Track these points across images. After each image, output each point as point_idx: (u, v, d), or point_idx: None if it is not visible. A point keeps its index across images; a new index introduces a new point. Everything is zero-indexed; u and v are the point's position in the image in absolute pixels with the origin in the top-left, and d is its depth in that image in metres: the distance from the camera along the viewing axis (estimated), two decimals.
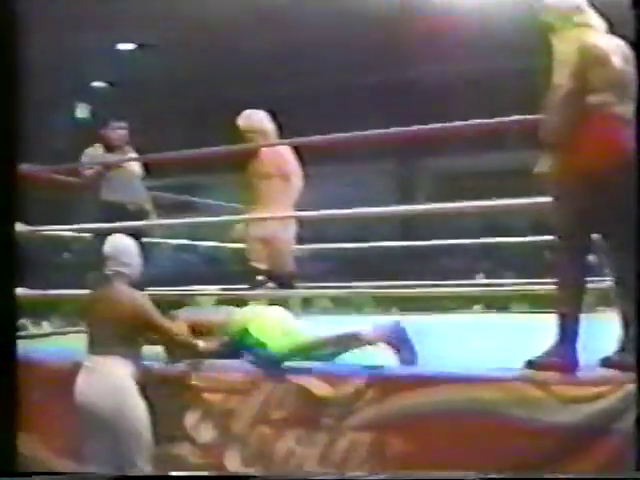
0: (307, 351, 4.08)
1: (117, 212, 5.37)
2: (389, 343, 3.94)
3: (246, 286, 5.55)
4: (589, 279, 3.61)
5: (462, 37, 11.52)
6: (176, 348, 4.17)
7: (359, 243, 8.79)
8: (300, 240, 5.75)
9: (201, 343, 4.16)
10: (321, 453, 3.70)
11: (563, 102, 3.44)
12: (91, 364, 3.88)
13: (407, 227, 14.84)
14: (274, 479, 3.82)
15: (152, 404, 3.89)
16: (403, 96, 14.61)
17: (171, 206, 10.42)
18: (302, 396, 3.77)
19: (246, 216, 5.68)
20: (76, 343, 4.40)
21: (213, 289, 6.58)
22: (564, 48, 3.53)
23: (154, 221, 6.00)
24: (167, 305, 4.15)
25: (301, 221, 5.67)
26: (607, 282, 3.80)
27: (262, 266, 5.48)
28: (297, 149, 5.55)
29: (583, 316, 3.49)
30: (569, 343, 3.46)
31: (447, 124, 4.45)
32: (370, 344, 4.00)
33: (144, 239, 5.24)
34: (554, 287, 3.57)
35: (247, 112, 5.66)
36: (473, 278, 11.17)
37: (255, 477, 3.83)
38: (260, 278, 5.46)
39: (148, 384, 3.91)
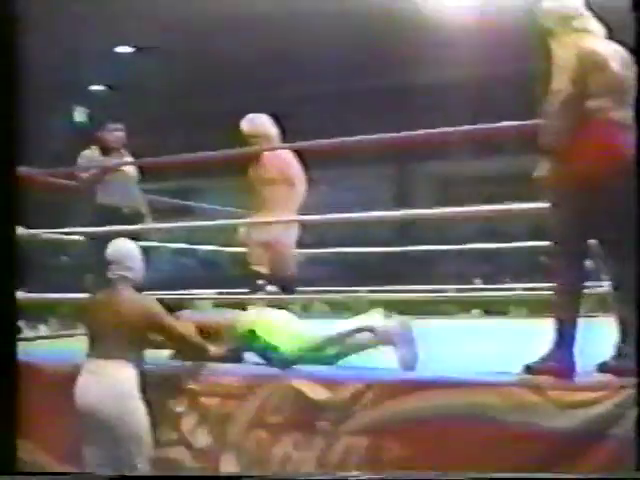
0: (319, 350, 4.12)
1: (112, 215, 5.38)
2: (395, 342, 3.95)
3: (245, 290, 5.56)
4: (586, 284, 3.61)
5: (462, 42, 11.53)
6: (187, 350, 4.19)
7: (358, 247, 8.79)
8: (299, 244, 5.75)
9: (212, 347, 4.17)
10: (318, 457, 3.70)
11: (562, 107, 3.44)
12: (93, 367, 3.88)
13: (406, 231, 14.84)
14: (274, 479, 3.81)
15: (149, 408, 3.89)
16: (402, 101, 14.63)
17: (169, 210, 10.43)
18: (299, 400, 3.76)
19: (247, 220, 5.69)
20: (74, 346, 4.40)
21: (212, 293, 6.58)
22: (563, 53, 3.53)
23: (156, 225, 6.00)
24: (165, 309, 4.14)
25: (300, 225, 5.67)
26: (604, 287, 3.80)
27: (262, 270, 5.48)
28: (299, 153, 5.55)
29: (580, 321, 3.49)
30: (566, 348, 3.46)
31: (446, 129, 4.46)
32: (380, 341, 4.01)
33: (141, 243, 5.23)
34: (551, 292, 3.57)
35: (250, 116, 5.64)
36: (471, 283, 11.18)
37: (253, 477, 3.82)
38: (260, 282, 5.46)
39: (147, 387, 3.91)
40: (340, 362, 4.12)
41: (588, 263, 3.64)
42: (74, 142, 5.92)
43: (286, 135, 5.65)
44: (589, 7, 3.64)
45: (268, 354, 4.17)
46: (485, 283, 11.08)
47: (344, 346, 4.11)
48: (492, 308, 9.61)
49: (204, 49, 13.12)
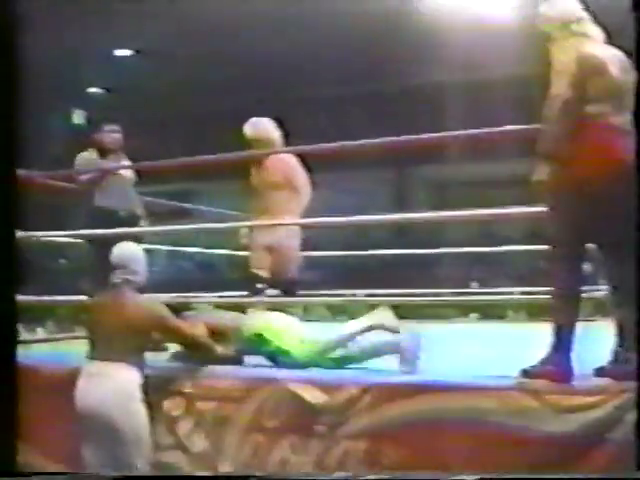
0: (330, 352, 4.15)
1: (110, 218, 5.37)
2: (404, 355, 3.98)
3: (245, 293, 5.56)
4: (584, 288, 3.61)
5: (461, 47, 11.55)
6: (196, 350, 4.21)
7: (356, 251, 8.80)
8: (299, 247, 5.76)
9: (220, 348, 4.19)
10: (315, 461, 3.69)
11: (561, 111, 3.44)
12: (95, 369, 3.87)
13: (404, 235, 14.85)
14: (271, 479, 3.81)
15: (148, 411, 3.89)
16: (401, 105, 14.64)
17: (168, 213, 10.42)
18: (296, 404, 3.76)
19: (248, 223, 5.69)
20: (73, 348, 4.40)
21: (211, 296, 6.58)
22: (562, 58, 3.53)
23: (156, 228, 6.00)
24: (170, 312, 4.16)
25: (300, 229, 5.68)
26: (602, 291, 3.81)
27: (263, 273, 5.49)
28: (300, 157, 5.57)
29: (578, 325, 3.49)
30: (564, 352, 3.46)
31: (445, 133, 4.47)
32: (391, 351, 4.04)
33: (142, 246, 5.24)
34: (549, 296, 3.57)
35: (253, 120, 5.64)
36: (469, 286, 11.18)
37: (252, 477, 3.82)
38: (260, 285, 5.47)
39: (148, 391, 3.91)
40: (351, 364, 4.13)
41: (586, 267, 3.64)
42: (72, 144, 5.91)
43: (288, 139, 5.66)
44: (587, 9, 3.64)
45: (278, 358, 4.21)
46: (483, 287, 11.08)
47: (356, 350, 4.14)
48: (490, 312, 9.60)
49: (203, 52, 13.13)
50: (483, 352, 4.54)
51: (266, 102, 9.99)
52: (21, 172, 4.06)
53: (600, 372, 3.50)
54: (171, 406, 4.03)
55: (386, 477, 3.56)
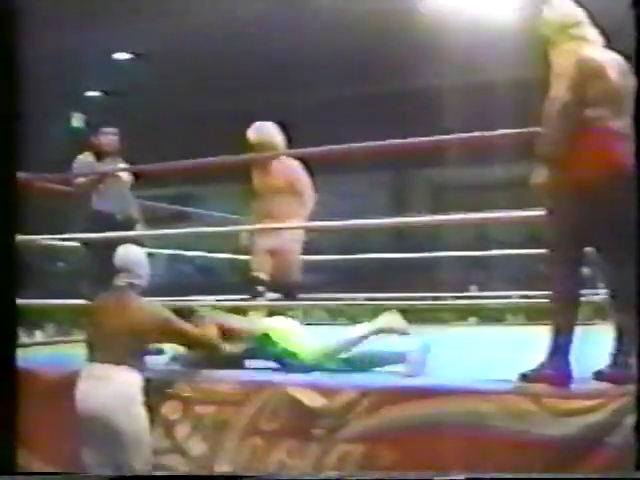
0: (335, 355, 4.18)
1: (107, 222, 5.37)
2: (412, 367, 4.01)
3: (245, 296, 5.57)
4: (583, 292, 3.61)
5: (460, 50, 11.55)
6: (202, 350, 4.25)
7: (354, 254, 8.79)
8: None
9: (226, 345, 4.20)
10: (313, 465, 3.69)
11: (560, 115, 3.44)
12: (97, 372, 3.86)
13: (402, 239, 14.84)
14: (269, 479, 3.80)
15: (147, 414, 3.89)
16: (400, 108, 14.64)
17: (166, 216, 10.43)
18: (294, 407, 3.76)
19: (248, 227, 5.70)
20: (71, 352, 4.40)
21: (210, 299, 6.58)
22: (562, 61, 3.54)
23: (155, 231, 6.01)
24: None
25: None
26: (601, 295, 3.81)
27: (264, 276, 5.50)
28: (301, 160, 5.58)
29: (577, 329, 3.49)
30: (563, 356, 3.46)
31: (443, 136, 4.47)
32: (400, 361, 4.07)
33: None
34: (548, 300, 3.57)
35: (257, 125, 5.63)
36: (467, 290, 11.17)
37: (250, 477, 3.82)
38: (260, 288, 5.48)
39: (147, 394, 3.91)
40: (355, 369, 4.15)
41: (585, 271, 3.64)
42: (71, 148, 5.91)
43: (290, 143, 5.66)
44: (587, 11, 3.64)
45: (284, 359, 4.22)
46: (482, 291, 11.07)
47: (361, 355, 4.18)
48: (489, 316, 9.61)
49: (203, 55, 13.13)
50: (482, 356, 4.53)
51: (265, 105, 9.99)
52: (20, 175, 4.06)
53: (599, 376, 3.50)
54: (169, 410, 4.03)
55: (384, 477, 3.56)
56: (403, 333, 4.20)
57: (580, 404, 3.28)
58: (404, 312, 4.34)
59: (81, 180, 5.61)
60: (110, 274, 4.15)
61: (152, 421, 3.90)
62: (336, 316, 9.82)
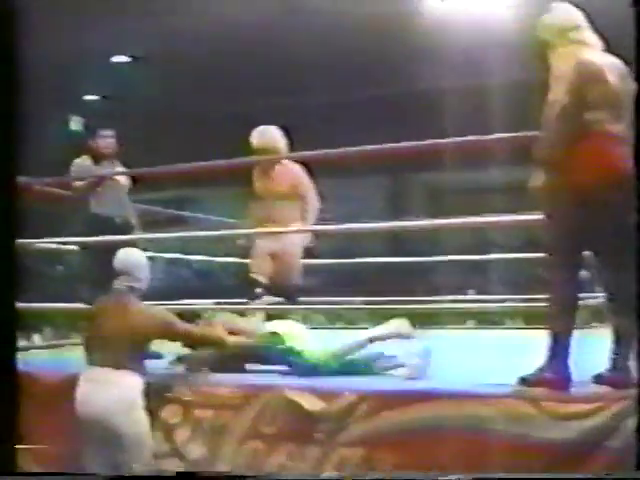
0: (341, 356, 4.20)
1: (105, 225, 5.37)
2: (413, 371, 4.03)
3: (243, 299, 5.57)
4: (581, 295, 3.61)
5: (459, 53, 11.56)
6: (207, 348, 4.29)
7: (352, 258, 8.79)
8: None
9: (231, 338, 4.22)
10: (313, 469, 3.69)
11: (559, 118, 3.45)
12: (96, 376, 3.86)
13: (400, 242, 14.84)
14: (270, 479, 3.80)
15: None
16: (398, 111, 14.65)
17: (166, 220, 10.42)
18: (294, 411, 3.76)
19: (248, 230, 5.71)
20: (69, 355, 4.39)
21: (209, 303, 6.57)
22: (561, 65, 3.54)
23: (156, 235, 6.01)
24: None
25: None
26: (599, 299, 3.81)
27: (263, 278, 5.51)
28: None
29: (576, 332, 3.49)
30: (562, 360, 3.46)
31: (442, 140, 4.47)
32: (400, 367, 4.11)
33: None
34: (547, 303, 3.57)
35: (260, 129, 5.63)
36: (465, 294, 11.17)
37: (250, 477, 3.81)
38: (258, 290, 5.48)
39: (147, 398, 3.91)
40: (357, 372, 4.16)
41: (583, 274, 3.64)
42: (70, 151, 5.91)
43: (293, 147, 5.67)
44: (586, 14, 3.65)
45: (291, 358, 4.23)
46: (480, 294, 11.07)
47: (365, 359, 4.20)
48: (487, 319, 9.60)
49: (202, 59, 13.13)
50: (481, 360, 4.53)
51: (264, 108, 9.99)
52: (20, 179, 4.06)
53: (598, 379, 3.50)
54: (169, 413, 4.02)
55: (384, 477, 3.55)
56: (410, 338, 4.22)
57: (579, 408, 3.28)
58: (402, 316, 4.36)
59: (79, 184, 5.61)
60: (109, 277, 4.14)
61: (152, 425, 3.89)
62: (334, 320, 9.81)
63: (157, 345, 4.28)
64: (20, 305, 3.92)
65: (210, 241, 8.14)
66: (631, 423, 3.12)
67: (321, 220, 5.65)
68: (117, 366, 3.83)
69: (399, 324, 4.27)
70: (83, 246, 5.54)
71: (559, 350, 3.46)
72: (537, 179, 3.59)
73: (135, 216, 5.79)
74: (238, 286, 6.19)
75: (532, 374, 3.51)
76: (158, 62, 13.74)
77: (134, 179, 5.82)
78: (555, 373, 3.45)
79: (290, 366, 4.24)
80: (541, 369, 3.49)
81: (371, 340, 4.24)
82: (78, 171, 5.66)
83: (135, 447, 3.79)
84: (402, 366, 4.09)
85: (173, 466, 3.96)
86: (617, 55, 3.55)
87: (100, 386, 3.80)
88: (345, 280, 13.22)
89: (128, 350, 3.86)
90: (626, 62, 3.48)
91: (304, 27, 11.98)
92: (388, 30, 11.74)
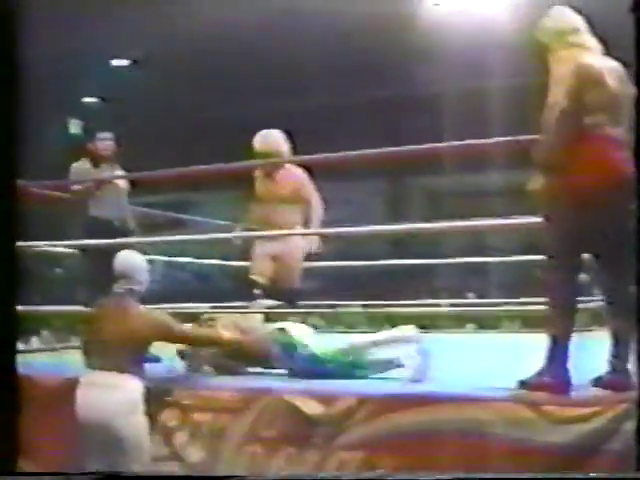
0: (347, 355, 4.23)
1: (104, 228, 5.38)
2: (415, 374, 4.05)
3: (242, 303, 5.57)
4: (581, 298, 3.61)
5: (458, 57, 11.57)
6: (204, 347, 4.34)
7: (351, 261, 8.78)
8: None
9: (226, 333, 4.22)
10: (312, 472, 3.68)
11: (558, 122, 3.45)
12: (97, 379, 3.85)
13: (399, 246, 14.85)
14: (270, 479, 3.80)
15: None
16: (396, 114, 14.67)
17: (165, 223, 10.42)
18: (292, 415, 3.75)
19: (247, 233, 5.71)
20: (70, 358, 4.39)
21: (208, 306, 6.57)
22: (560, 68, 3.54)
23: (155, 238, 6.01)
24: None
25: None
26: (599, 302, 3.81)
27: (262, 280, 5.51)
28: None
29: (575, 335, 3.49)
30: (561, 363, 3.46)
31: (441, 144, 4.47)
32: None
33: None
34: (546, 306, 3.57)
35: (263, 133, 5.63)
36: (465, 297, 11.18)
37: (249, 477, 3.81)
38: (257, 292, 5.49)
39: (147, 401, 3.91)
40: (359, 374, 4.18)
41: (582, 277, 3.64)
42: (69, 154, 5.91)
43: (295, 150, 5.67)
44: (585, 17, 3.65)
45: (297, 352, 4.26)
46: (479, 297, 11.07)
47: (368, 360, 4.21)
48: (486, 322, 9.60)
49: (201, 62, 13.15)
50: (480, 363, 4.53)
51: (263, 112, 10.00)
52: (19, 182, 4.06)
53: (597, 383, 3.50)
54: (168, 417, 4.02)
55: (383, 478, 3.55)
56: (417, 342, 4.24)
57: (579, 411, 3.28)
58: (400, 319, 4.38)
59: (78, 187, 5.61)
60: (108, 280, 4.14)
61: (151, 428, 3.89)
62: (333, 323, 9.80)
63: (156, 348, 4.28)
64: (21, 308, 3.92)
65: (209, 244, 8.15)
66: (631, 426, 3.12)
67: (321, 223, 5.65)
68: (117, 369, 3.82)
69: (408, 330, 4.30)
70: (82, 249, 5.54)
71: (558, 353, 3.46)
72: (536, 182, 3.59)
73: (132, 219, 5.79)
74: (238, 289, 6.18)
75: (531, 378, 3.51)
76: (158, 65, 13.76)
77: (133, 182, 5.82)
78: (554, 376, 3.45)
79: (294, 360, 4.25)
80: (540, 373, 3.49)
81: (378, 343, 4.25)
82: (77, 174, 5.66)
83: (135, 450, 3.78)
84: (402, 367, 4.09)
85: (172, 470, 3.96)
86: (616, 58, 3.56)
87: (101, 390, 3.80)
88: (344, 283, 13.21)
89: (128, 353, 3.86)
90: (625, 65, 3.48)
91: (304, 30, 11.99)
92: (389, 33, 11.75)
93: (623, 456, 3.11)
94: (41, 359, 5.47)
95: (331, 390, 3.83)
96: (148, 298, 4.23)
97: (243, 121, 5.80)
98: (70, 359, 4.51)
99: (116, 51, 13.85)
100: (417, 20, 11.58)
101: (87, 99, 16.27)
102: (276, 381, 4.18)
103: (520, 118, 3.93)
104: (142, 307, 4.06)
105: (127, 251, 4.23)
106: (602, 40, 3.63)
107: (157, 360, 4.63)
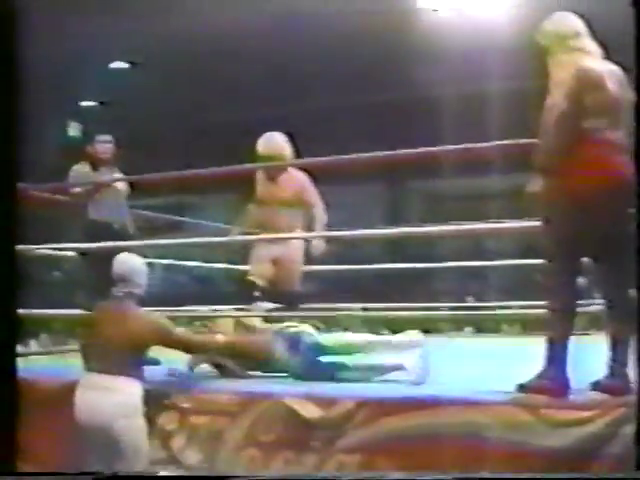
0: (356, 349, 4.28)
1: (104, 231, 5.37)
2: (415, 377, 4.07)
3: (241, 306, 5.57)
4: (580, 302, 3.61)
5: (458, 60, 11.58)
6: (200, 353, 4.36)
7: (349, 265, 8.78)
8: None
9: (221, 337, 4.24)
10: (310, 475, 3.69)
11: (557, 125, 3.45)
12: (96, 382, 3.84)
13: (398, 249, 14.84)
14: (269, 479, 3.79)
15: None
16: (395, 117, 14.66)
17: (164, 226, 10.43)
18: (291, 418, 3.75)
19: (247, 237, 5.71)
20: (69, 361, 4.38)
21: (207, 309, 6.56)
22: (560, 72, 3.55)
23: (155, 241, 6.01)
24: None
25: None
26: (598, 305, 3.81)
27: (261, 282, 5.51)
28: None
29: (574, 339, 3.49)
30: (559, 366, 3.46)
31: (440, 147, 4.47)
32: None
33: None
34: (545, 310, 3.57)
35: (267, 135, 5.62)
36: (464, 300, 11.16)
37: (251, 477, 3.80)
38: (256, 294, 5.49)
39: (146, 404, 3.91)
40: (358, 376, 4.20)
41: (581, 281, 3.64)
42: (68, 157, 5.91)
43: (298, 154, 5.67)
44: (586, 14, 3.66)
45: (303, 342, 4.34)
46: (478, 301, 11.06)
47: (367, 365, 4.23)
48: (485, 326, 9.60)
49: (200, 65, 13.15)
50: (479, 366, 4.53)
51: (263, 114, 10.00)
52: (19, 185, 4.06)
53: (596, 386, 3.50)
54: (166, 420, 4.02)
55: (383, 478, 3.55)
56: (421, 346, 4.27)
57: (577, 415, 3.28)
58: (400, 322, 4.40)
59: (77, 190, 5.61)
60: (107, 283, 4.14)
61: (149, 431, 3.89)
62: (331, 326, 9.79)
63: (155, 351, 4.28)
64: (21, 312, 3.92)
65: (209, 247, 8.14)
66: (629, 430, 3.12)
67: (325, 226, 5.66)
68: (116, 372, 3.82)
69: (414, 335, 4.34)
70: (81, 252, 5.54)
71: (557, 357, 3.46)
72: (536, 185, 3.59)
73: (131, 222, 5.79)
74: (237, 292, 6.18)
75: (530, 381, 3.51)
76: (157, 68, 13.76)
77: (132, 185, 5.82)
78: (553, 380, 3.45)
79: (298, 349, 4.30)
80: (539, 376, 3.49)
81: (392, 346, 4.28)
82: (77, 178, 5.66)
83: (133, 453, 3.78)
84: (402, 369, 4.10)
85: (170, 473, 3.96)
86: (616, 62, 3.56)
87: (100, 393, 3.79)
88: (343, 286, 13.21)
89: (127, 356, 3.85)
90: (625, 69, 3.48)
91: (305, 34, 11.99)
92: (391, 36, 11.75)
93: (621, 459, 3.11)
94: (40, 362, 5.47)
95: (330, 394, 3.83)
96: (148, 301, 4.22)
97: (242, 124, 5.80)
98: (69, 362, 4.51)
99: (115, 54, 13.85)
100: (418, 24, 11.58)
101: (86, 102, 16.27)
102: (275, 384, 4.18)
103: (519, 121, 3.93)
104: (141, 310, 4.06)
105: (126, 254, 4.23)
106: (602, 44, 3.63)
107: (156, 363, 4.62)
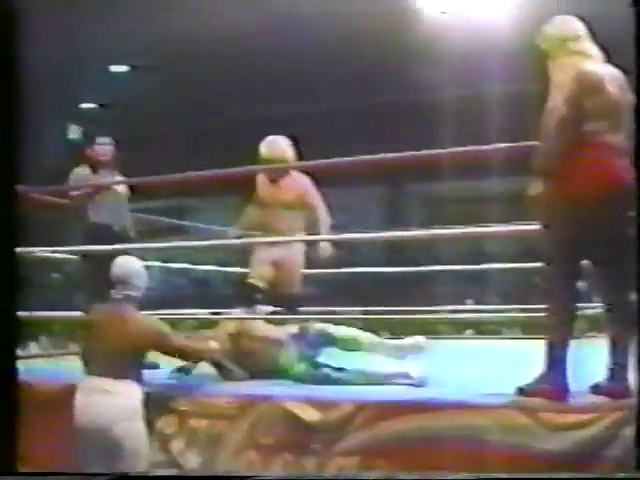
0: (360, 346, 4.35)
1: (104, 234, 5.37)
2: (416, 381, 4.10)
3: (240, 308, 5.57)
4: (579, 305, 3.61)
5: (459, 62, 11.58)
6: (195, 359, 4.39)
7: (349, 268, 8.79)
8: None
9: (212, 343, 4.30)
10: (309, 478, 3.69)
11: (558, 129, 3.45)
12: (96, 386, 3.84)
13: (398, 252, 14.84)
14: (274, 479, 3.79)
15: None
16: (395, 120, 14.66)
17: (163, 229, 10.42)
18: (290, 421, 3.75)
19: (247, 240, 5.72)
20: (68, 364, 4.38)
21: (206, 312, 6.56)
22: (561, 75, 3.55)
23: (155, 244, 6.01)
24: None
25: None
26: (598, 308, 3.81)
27: (261, 284, 5.51)
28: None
29: (574, 342, 3.49)
30: (559, 370, 3.46)
31: (439, 150, 4.47)
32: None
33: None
34: (544, 313, 3.57)
35: (269, 139, 5.62)
36: (463, 304, 11.16)
37: (251, 477, 3.80)
38: (257, 296, 5.49)
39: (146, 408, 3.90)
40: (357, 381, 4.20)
41: (581, 284, 3.64)
42: (68, 160, 5.91)
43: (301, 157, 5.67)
44: (586, 14, 3.66)
45: (314, 332, 4.40)
46: (478, 304, 11.06)
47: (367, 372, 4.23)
48: (485, 329, 9.59)
49: (200, 68, 13.15)
50: (478, 369, 4.53)
51: (263, 117, 10.01)
52: (19, 188, 4.06)
53: (596, 389, 3.50)
54: (165, 423, 4.01)
55: (382, 477, 3.55)
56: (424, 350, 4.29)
57: (577, 418, 3.28)
58: (399, 325, 4.40)
59: (77, 192, 5.61)
60: (107, 286, 4.14)
61: (149, 435, 3.88)
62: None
63: (154, 355, 4.28)
64: (21, 314, 3.92)
65: (209, 250, 8.15)
66: (629, 433, 3.12)
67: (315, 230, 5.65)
68: (116, 376, 3.82)
69: (418, 340, 4.38)
70: (81, 255, 5.54)
71: (557, 360, 3.45)
72: (535, 189, 3.59)
73: (132, 225, 5.79)
74: (237, 295, 6.17)
75: (530, 384, 3.51)
76: (157, 70, 13.77)
77: (132, 188, 5.81)
78: (553, 383, 3.45)
79: (305, 340, 4.35)
80: (539, 379, 3.49)
81: (390, 350, 4.30)
82: (77, 180, 5.66)
83: (133, 456, 3.78)
84: (408, 377, 4.12)
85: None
86: (617, 65, 3.56)
87: (100, 396, 3.79)
88: (343, 290, 13.21)
89: (126, 359, 3.85)
90: (626, 73, 3.48)
91: (306, 36, 11.99)
92: (392, 39, 11.75)
93: (621, 462, 3.11)
94: (40, 365, 5.46)
95: (329, 397, 3.83)
96: (148, 304, 4.22)
97: (243, 126, 5.80)
98: (69, 365, 4.51)
99: (115, 56, 13.86)
100: (419, 26, 11.58)
101: (86, 104, 16.28)
102: (274, 387, 4.17)
103: (520, 125, 3.93)
104: (139, 314, 4.06)
105: (125, 257, 4.23)
106: (602, 47, 3.64)
107: (155, 366, 4.62)
